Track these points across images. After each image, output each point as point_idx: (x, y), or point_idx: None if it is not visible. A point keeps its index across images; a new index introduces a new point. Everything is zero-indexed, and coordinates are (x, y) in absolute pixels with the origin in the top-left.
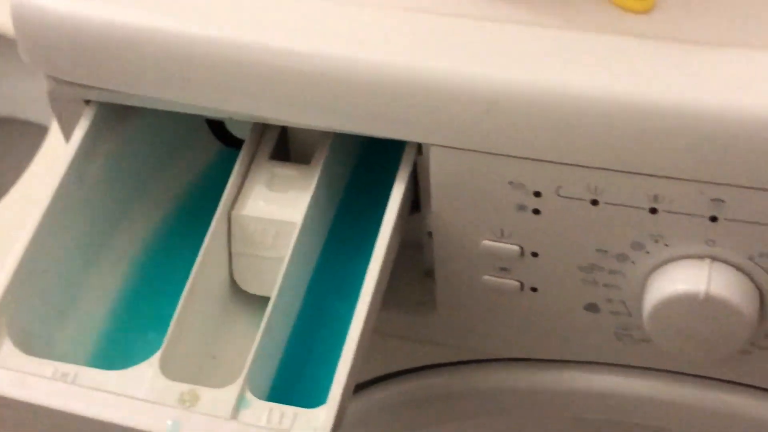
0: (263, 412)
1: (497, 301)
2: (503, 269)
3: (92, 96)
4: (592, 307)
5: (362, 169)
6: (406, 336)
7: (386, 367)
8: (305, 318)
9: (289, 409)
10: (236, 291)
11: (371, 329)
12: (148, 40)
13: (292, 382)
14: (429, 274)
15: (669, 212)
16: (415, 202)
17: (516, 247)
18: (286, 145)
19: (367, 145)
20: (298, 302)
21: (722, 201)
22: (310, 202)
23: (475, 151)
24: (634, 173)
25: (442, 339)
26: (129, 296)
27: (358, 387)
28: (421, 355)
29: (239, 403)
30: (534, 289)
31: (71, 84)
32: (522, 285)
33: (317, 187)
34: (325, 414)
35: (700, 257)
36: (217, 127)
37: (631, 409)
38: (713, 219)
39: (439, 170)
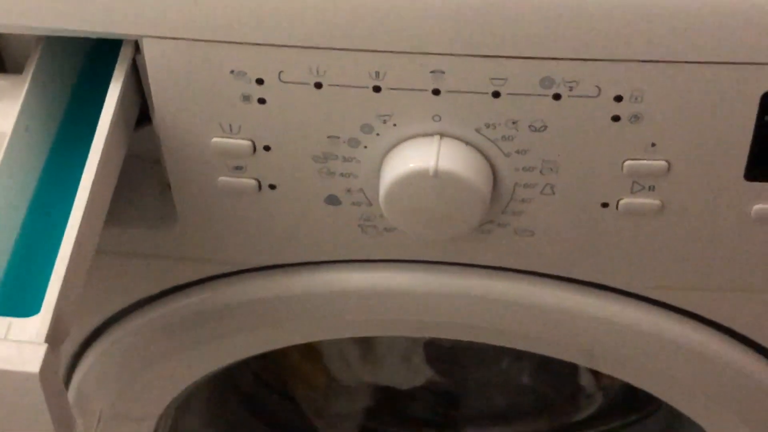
0: None
1: (237, 203)
2: (238, 168)
3: None
4: (332, 200)
5: (90, 73)
6: (153, 254)
7: (139, 293)
8: (30, 233)
9: (3, 320)
10: None
11: (91, 237)
12: None
13: (17, 299)
14: (169, 186)
15: (393, 89)
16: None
17: (247, 142)
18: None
19: (93, 46)
20: (18, 217)
21: (442, 72)
22: (20, 109)
23: (190, 39)
24: (355, 50)
25: (189, 252)
26: None
27: (114, 318)
28: (172, 275)
29: None
30: (272, 187)
31: None
32: (259, 183)
33: (28, 95)
34: (39, 322)
35: (429, 134)
36: None
37: (386, 304)
38: (436, 92)
39: (155, 66)
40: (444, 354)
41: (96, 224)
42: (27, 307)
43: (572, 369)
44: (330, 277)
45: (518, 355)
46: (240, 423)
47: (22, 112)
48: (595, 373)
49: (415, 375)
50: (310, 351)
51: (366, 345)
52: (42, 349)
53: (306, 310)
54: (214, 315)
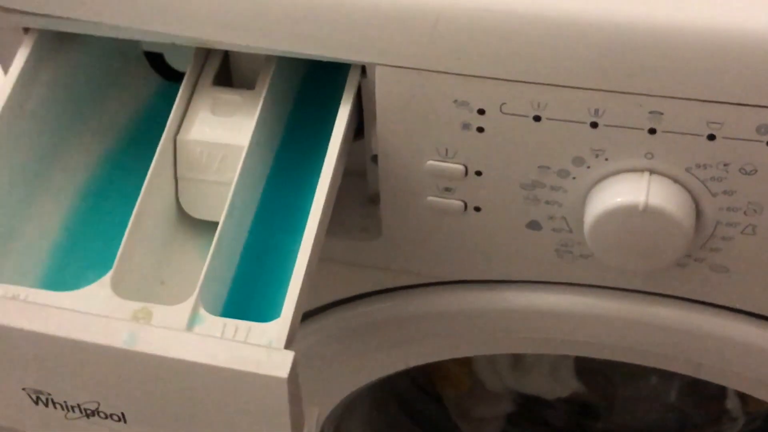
0: (217, 326)
1: (441, 222)
2: (447, 189)
3: (31, 23)
4: (534, 225)
5: (307, 92)
6: (353, 262)
7: (335, 294)
8: (254, 241)
9: (243, 324)
10: (182, 218)
11: (320, 249)
12: None
13: (245, 303)
14: (373, 200)
15: (609, 126)
16: (357, 128)
17: (460, 167)
18: (228, 72)
19: (312, 67)
20: (247, 226)
21: (660, 113)
22: (255, 125)
23: (420, 69)
24: (576, 88)
25: (389, 263)
26: (76, 227)
27: (307, 315)
28: (369, 281)
29: (193, 319)
30: (477, 209)
31: (9, 10)
32: (466, 205)
33: (262, 111)
34: (278, 327)
35: (640, 170)
36: (156, 60)
37: (571, 326)
38: (652, 131)
39: (384, 91)
40: (594, 368)
41: (323, 234)
42: (256, 312)
43: (720, 391)
44: (519, 295)
45: (668, 374)
46: (399, 426)
47: (257, 127)
48: (743, 398)
49: (562, 386)
50: None
51: (516, 354)
52: (290, 356)
53: (493, 325)
54: (403, 322)
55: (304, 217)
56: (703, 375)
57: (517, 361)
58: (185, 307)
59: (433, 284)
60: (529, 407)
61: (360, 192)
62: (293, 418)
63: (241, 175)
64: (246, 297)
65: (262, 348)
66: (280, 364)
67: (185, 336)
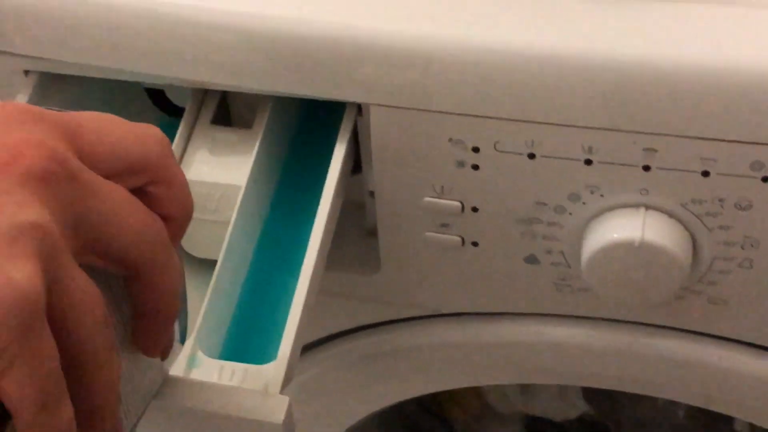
0: (214, 369)
1: (439, 257)
2: (444, 225)
3: (30, 66)
4: (532, 259)
5: (305, 130)
6: (352, 295)
7: (333, 327)
8: (253, 280)
9: (240, 366)
10: (182, 257)
11: (317, 288)
12: (82, 5)
13: (243, 344)
14: (372, 233)
15: (604, 163)
16: (356, 162)
17: (457, 203)
18: (227, 111)
19: (309, 106)
20: (245, 264)
21: (654, 150)
22: (253, 165)
23: (414, 109)
24: (569, 126)
25: (388, 297)
26: None
27: (306, 348)
28: (367, 313)
29: (190, 362)
30: (475, 244)
31: (8, 54)
32: (463, 240)
33: (259, 151)
34: (274, 369)
35: (635, 206)
36: (157, 96)
37: (573, 357)
38: (646, 168)
39: (379, 130)
40: (602, 390)
41: (321, 273)
42: (255, 352)
43: None
44: (519, 327)
45: None
46: None
47: (254, 166)
48: None
49: (570, 408)
50: None
51: None
52: (286, 401)
53: (494, 357)
54: (402, 354)
55: (302, 255)
56: (713, 407)
57: (525, 383)
58: (183, 350)
59: (434, 316)
60: (538, 429)
61: (360, 224)
62: None
63: (239, 214)
64: (245, 336)
65: (257, 393)
66: (275, 409)
67: (180, 381)
